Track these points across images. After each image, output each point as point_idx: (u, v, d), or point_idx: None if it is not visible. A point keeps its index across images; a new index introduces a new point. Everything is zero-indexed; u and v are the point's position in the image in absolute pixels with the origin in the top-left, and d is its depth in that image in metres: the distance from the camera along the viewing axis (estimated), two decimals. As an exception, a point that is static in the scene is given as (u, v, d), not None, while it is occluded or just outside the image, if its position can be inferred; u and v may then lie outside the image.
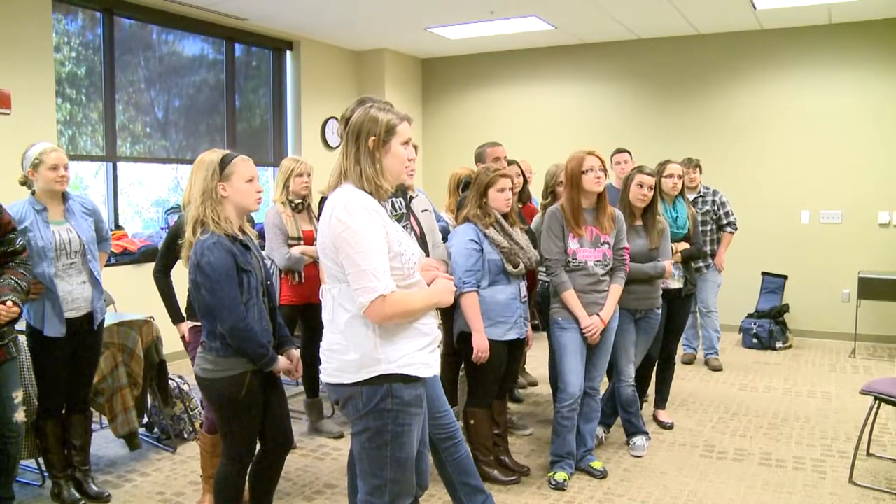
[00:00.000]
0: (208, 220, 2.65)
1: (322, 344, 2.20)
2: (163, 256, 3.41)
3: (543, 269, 4.06)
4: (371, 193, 2.12)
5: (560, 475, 3.66)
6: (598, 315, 3.61)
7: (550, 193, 4.41)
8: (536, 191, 5.25)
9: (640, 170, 4.00)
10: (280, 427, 2.87)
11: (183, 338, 3.42)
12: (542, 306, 4.28)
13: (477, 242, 3.48)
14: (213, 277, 2.59)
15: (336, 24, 7.14)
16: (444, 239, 3.79)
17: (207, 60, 7.04)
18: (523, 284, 3.63)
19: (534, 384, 5.55)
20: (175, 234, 3.30)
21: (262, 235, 4.07)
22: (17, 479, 3.62)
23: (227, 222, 2.68)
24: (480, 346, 3.45)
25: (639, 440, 4.14)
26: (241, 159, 2.78)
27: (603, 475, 3.77)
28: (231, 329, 2.60)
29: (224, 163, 2.73)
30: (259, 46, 7.51)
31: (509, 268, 3.49)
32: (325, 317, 2.20)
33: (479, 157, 4.52)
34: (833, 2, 6.13)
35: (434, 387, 2.91)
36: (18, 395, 3.09)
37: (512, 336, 3.57)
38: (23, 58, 5.21)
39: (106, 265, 5.62)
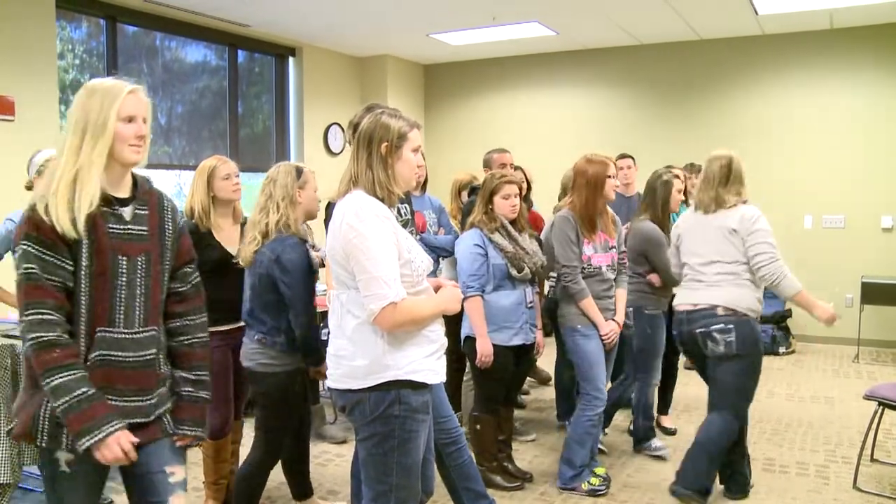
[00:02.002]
0: (291, 223, 2.91)
1: (329, 349, 2.21)
2: None
3: (553, 275, 4.09)
4: (382, 199, 2.13)
5: (595, 480, 3.66)
6: (614, 320, 3.62)
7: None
8: (538, 198, 5.26)
9: (673, 174, 4.05)
10: (310, 416, 3.27)
11: None
12: (552, 312, 4.25)
13: (481, 247, 3.49)
14: (295, 274, 2.81)
15: (338, 31, 7.16)
16: (453, 250, 3.80)
17: (210, 67, 7.06)
18: (530, 290, 3.63)
19: (548, 379, 5.55)
20: None
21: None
22: (20, 485, 3.62)
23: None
24: (484, 351, 3.46)
25: (657, 441, 4.18)
26: (310, 170, 3.08)
27: (606, 481, 3.77)
28: (305, 324, 2.82)
29: (300, 171, 3.01)
30: (262, 53, 7.53)
31: (514, 272, 3.50)
32: (333, 322, 2.21)
33: (487, 164, 4.53)
34: (834, 7, 6.14)
35: (437, 392, 2.91)
36: (177, 472, 2.05)
37: (517, 342, 3.57)
38: (26, 65, 5.22)
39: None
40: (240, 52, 7.24)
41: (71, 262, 1.83)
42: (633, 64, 7.82)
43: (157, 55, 6.55)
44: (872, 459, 4.02)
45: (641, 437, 4.20)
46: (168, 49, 6.64)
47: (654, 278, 4.00)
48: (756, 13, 6.35)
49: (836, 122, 7.00)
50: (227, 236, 3.32)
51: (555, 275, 4.05)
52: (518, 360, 3.67)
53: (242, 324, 3.41)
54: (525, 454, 4.21)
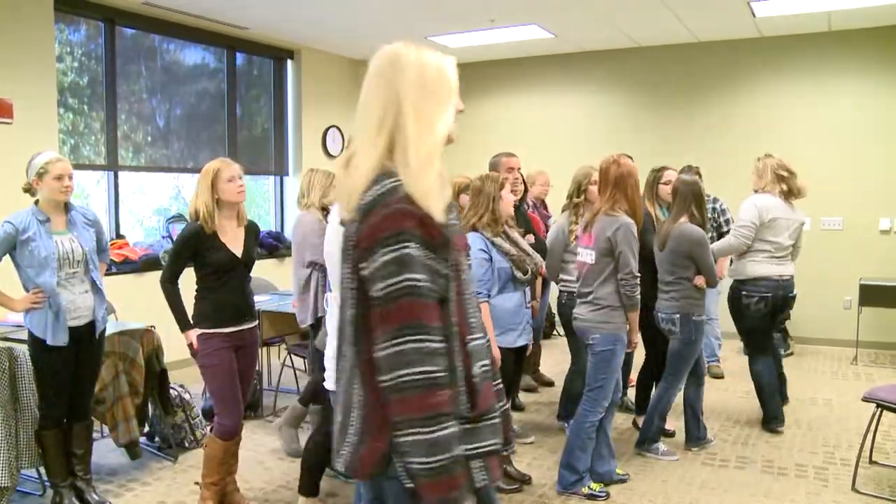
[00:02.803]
0: None
1: (327, 351, 2.21)
2: (171, 263, 3.35)
3: (567, 278, 4.12)
4: None
5: (595, 485, 3.66)
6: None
7: (583, 192, 4.34)
8: (554, 203, 5.24)
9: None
10: None
11: (191, 345, 3.35)
12: (567, 315, 4.17)
13: (486, 252, 3.48)
14: None
15: (337, 33, 7.16)
16: None
17: (208, 69, 7.06)
18: (528, 290, 3.65)
19: (550, 384, 5.56)
20: (185, 241, 3.29)
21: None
22: (18, 488, 3.62)
23: None
24: (494, 356, 3.43)
25: (663, 446, 4.21)
26: None
27: (624, 480, 3.79)
28: None
29: None
30: (260, 55, 7.54)
31: (518, 275, 3.51)
32: (330, 325, 2.21)
33: (494, 167, 4.45)
34: (832, 9, 6.15)
35: None
36: None
37: (521, 342, 3.61)
38: (25, 67, 5.22)
39: (107, 274, 5.62)
40: (238, 54, 7.25)
41: (447, 268, 1.46)
42: (630, 66, 7.82)
43: (156, 57, 6.55)
44: (871, 461, 4.02)
45: (651, 438, 4.19)
46: (166, 51, 6.64)
47: (700, 281, 4.02)
48: (754, 16, 6.36)
49: (834, 125, 7.01)
50: (232, 238, 3.33)
51: (570, 278, 4.07)
52: (517, 360, 3.69)
53: (245, 326, 3.42)
54: (524, 456, 4.21)
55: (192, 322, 3.35)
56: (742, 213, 4.53)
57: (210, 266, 3.28)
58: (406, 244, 1.38)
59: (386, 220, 1.40)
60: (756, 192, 4.62)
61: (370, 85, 1.51)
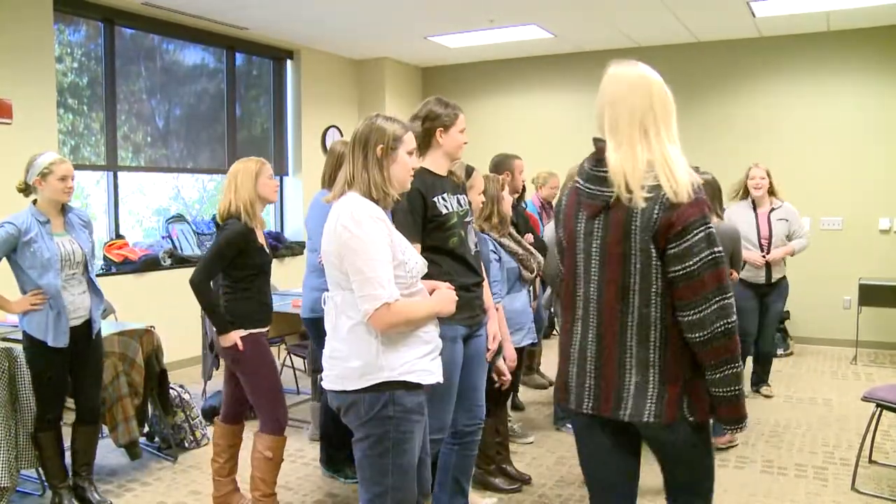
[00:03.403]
0: None
1: (324, 351, 2.21)
2: (212, 263, 3.14)
3: None
4: (378, 201, 2.16)
5: None
6: None
7: None
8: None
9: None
10: None
11: (234, 347, 3.15)
12: None
13: (495, 252, 3.48)
14: None
15: (336, 33, 7.17)
16: None
17: (208, 69, 7.06)
18: (531, 289, 3.67)
19: (551, 384, 5.57)
20: (234, 240, 3.11)
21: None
22: (18, 488, 3.62)
23: None
24: (511, 356, 3.37)
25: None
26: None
27: None
28: None
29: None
30: (259, 55, 7.54)
31: (526, 274, 3.54)
32: (328, 324, 2.21)
33: (503, 167, 4.39)
34: (832, 9, 6.15)
35: (476, 379, 2.95)
36: None
37: (527, 342, 3.63)
38: (24, 68, 5.22)
39: (107, 274, 5.63)
40: (237, 54, 7.25)
41: None
42: (630, 66, 7.82)
43: (155, 58, 6.55)
44: (871, 461, 4.02)
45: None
46: (166, 52, 6.64)
47: (736, 276, 4.16)
48: (753, 16, 6.36)
49: (833, 124, 7.01)
50: (262, 239, 3.28)
51: None
52: (519, 360, 3.70)
53: (268, 327, 3.36)
54: (524, 456, 4.21)
55: (233, 324, 3.17)
56: (798, 220, 5.22)
57: (253, 267, 3.18)
58: (709, 225, 1.79)
59: (692, 206, 1.79)
60: (780, 200, 5.27)
61: (619, 96, 2.04)
